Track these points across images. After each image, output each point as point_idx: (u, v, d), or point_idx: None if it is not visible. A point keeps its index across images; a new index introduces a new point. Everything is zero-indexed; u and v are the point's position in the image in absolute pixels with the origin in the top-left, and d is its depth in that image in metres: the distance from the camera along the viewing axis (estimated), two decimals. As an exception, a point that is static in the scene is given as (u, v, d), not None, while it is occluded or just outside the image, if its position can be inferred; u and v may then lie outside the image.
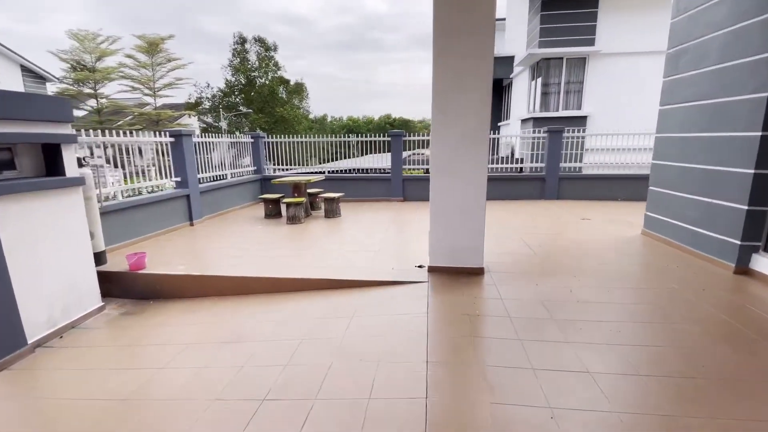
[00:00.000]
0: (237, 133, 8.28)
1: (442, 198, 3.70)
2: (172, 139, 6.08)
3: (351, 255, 4.56)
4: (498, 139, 10.35)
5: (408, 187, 8.56)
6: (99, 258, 4.27)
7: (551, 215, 6.69)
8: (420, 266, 4.02)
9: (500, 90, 16.52)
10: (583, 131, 8.40)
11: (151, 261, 4.36)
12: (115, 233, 4.91)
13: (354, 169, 9.08)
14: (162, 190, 6.11)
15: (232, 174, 7.96)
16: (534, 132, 8.43)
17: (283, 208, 6.94)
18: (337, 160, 9.41)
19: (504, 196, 8.37)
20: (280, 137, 9.00)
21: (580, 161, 8.40)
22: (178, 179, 6.21)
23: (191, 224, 6.35)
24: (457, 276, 3.72)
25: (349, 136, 8.76)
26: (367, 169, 9.07)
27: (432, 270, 3.82)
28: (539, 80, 11.16)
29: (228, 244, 5.21)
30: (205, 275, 4.02)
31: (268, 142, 9.13)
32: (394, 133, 8.41)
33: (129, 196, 5.48)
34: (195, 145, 6.58)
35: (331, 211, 6.87)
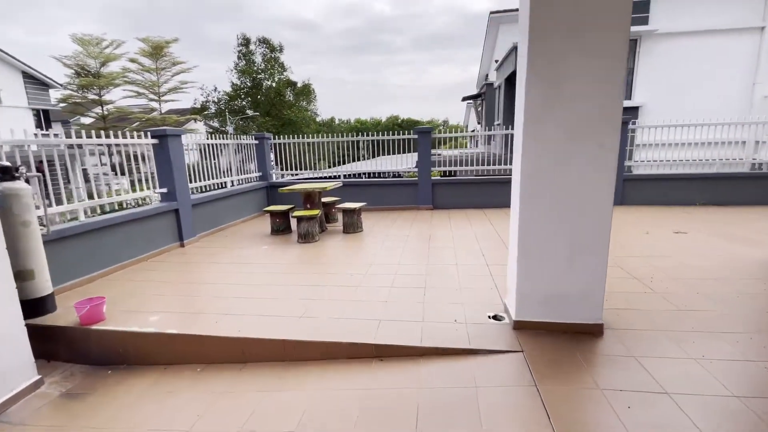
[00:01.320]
0: (239, 135, 7.10)
1: (539, 226, 2.42)
2: (154, 141, 4.90)
3: (386, 292, 3.29)
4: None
5: (438, 193, 7.28)
6: (42, 305, 3.08)
7: (629, 227, 5.34)
8: (496, 317, 2.73)
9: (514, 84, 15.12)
10: (633, 123, 7.00)
11: (114, 308, 3.15)
12: (74, 266, 3.72)
13: (374, 173, 7.83)
14: (141, 204, 4.94)
15: (232, 182, 6.77)
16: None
17: (294, 222, 5.72)
18: (350, 162, 8.17)
19: None
20: (289, 138, 7.79)
21: (630, 159, 6.97)
22: (164, 190, 5.02)
23: (181, 245, 5.16)
24: (562, 338, 2.42)
25: (366, 135, 7.52)
26: (388, 173, 7.81)
27: (521, 326, 2.53)
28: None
29: (224, 276, 3.98)
30: (186, 335, 2.78)
31: (275, 144, 7.93)
32: (421, 129, 7.14)
33: (101, 213, 4.31)
34: (201, 148, 5.40)
35: (351, 224, 5.62)
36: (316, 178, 7.92)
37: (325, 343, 2.56)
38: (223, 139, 6.62)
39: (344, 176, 7.84)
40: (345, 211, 5.62)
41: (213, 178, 6.23)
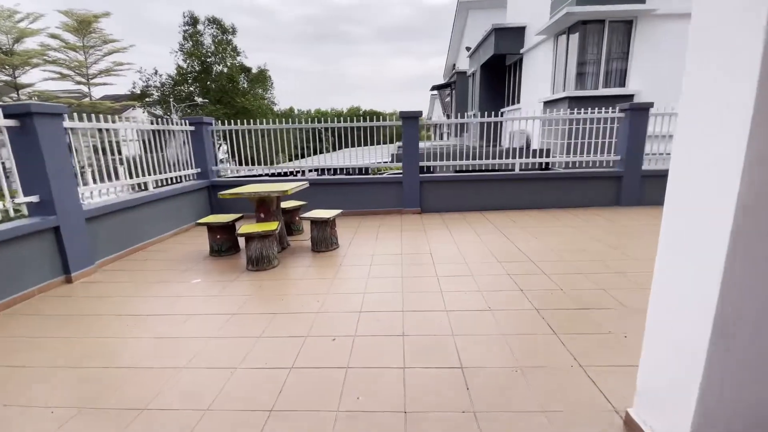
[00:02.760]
0: (168, 118, 5.32)
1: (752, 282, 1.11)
2: (10, 123, 3.13)
3: (396, 390, 1.90)
4: (499, 125, 7.95)
5: (427, 194, 5.94)
6: None
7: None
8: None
9: (502, 70, 14.18)
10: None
11: None
12: None
13: (351, 170, 6.35)
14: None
15: (157, 182, 5.03)
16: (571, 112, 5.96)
17: (242, 240, 4.16)
18: (314, 156, 6.62)
19: (550, 203, 5.93)
20: (238, 124, 6.09)
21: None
22: (33, 199, 3.27)
23: (67, 279, 3.44)
24: None
25: (339, 121, 6.00)
26: (365, 169, 6.37)
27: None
28: (573, 50, 8.84)
29: (120, 349, 2.39)
30: None
31: (224, 132, 6.20)
32: (408, 114, 5.73)
33: None
34: (103, 135, 3.64)
35: (323, 240, 4.14)
36: (271, 177, 6.30)
37: None
38: (131, 123, 4.85)
39: (312, 173, 6.29)
40: (314, 223, 4.12)
41: (127, 178, 4.47)
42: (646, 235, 4.38)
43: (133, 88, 28.77)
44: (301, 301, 2.92)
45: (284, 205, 4.77)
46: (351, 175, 6.36)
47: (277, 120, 6.08)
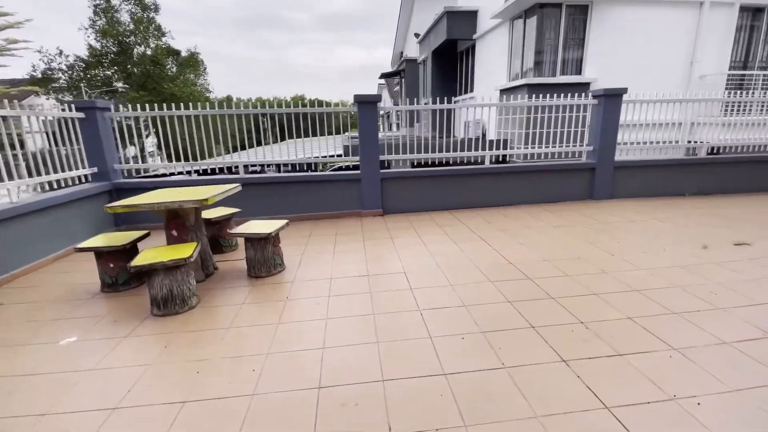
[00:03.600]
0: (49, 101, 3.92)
1: None
2: None
3: None
4: (453, 114, 7.36)
5: (389, 193, 5.11)
6: None
7: (669, 238, 3.89)
8: None
9: (454, 57, 13.68)
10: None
11: None
12: None
13: (298, 165, 5.31)
14: None
15: (29, 186, 3.66)
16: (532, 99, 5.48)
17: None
18: (252, 147, 5.48)
19: (522, 199, 5.42)
20: (148, 110, 4.76)
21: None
22: None
23: None
24: None
25: (285, 107, 4.91)
26: (312, 165, 5.38)
27: None
28: (531, 35, 8.43)
29: None
30: None
31: (126, 121, 4.84)
32: (365, 98, 4.81)
33: None
34: None
35: (263, 262, 3.14)
36: (197, 178, 5.08)
37: None
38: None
39: (246, 169, 5.16)
40: (251, 240, 3.11)
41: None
42: (636, 236, 3.92)
43: (34, 71, 24.53)
44: (228, 373, 1.95)
45: (209, 214, 3.67)
46: (298, 172, 5.34)
47: (208, 105, 4.85)
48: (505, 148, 8.18)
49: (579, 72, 8.59)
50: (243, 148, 5.64)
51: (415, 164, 5.69)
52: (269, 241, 3.12)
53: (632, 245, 3.64)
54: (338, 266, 3.36)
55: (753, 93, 6.44)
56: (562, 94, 5.46)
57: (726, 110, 7.87)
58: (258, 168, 5.55)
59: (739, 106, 7.24)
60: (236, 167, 5.07)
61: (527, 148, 5.63)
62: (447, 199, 5.24)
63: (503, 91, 9.53)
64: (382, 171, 5.02)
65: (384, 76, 23.35)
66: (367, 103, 4.77)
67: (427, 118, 12.66)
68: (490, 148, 6.42)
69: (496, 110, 7.74)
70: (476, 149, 5.54)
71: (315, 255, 3.68)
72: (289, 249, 3.77)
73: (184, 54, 28.62)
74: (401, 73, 21.35)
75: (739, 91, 8.25)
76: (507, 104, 5.48)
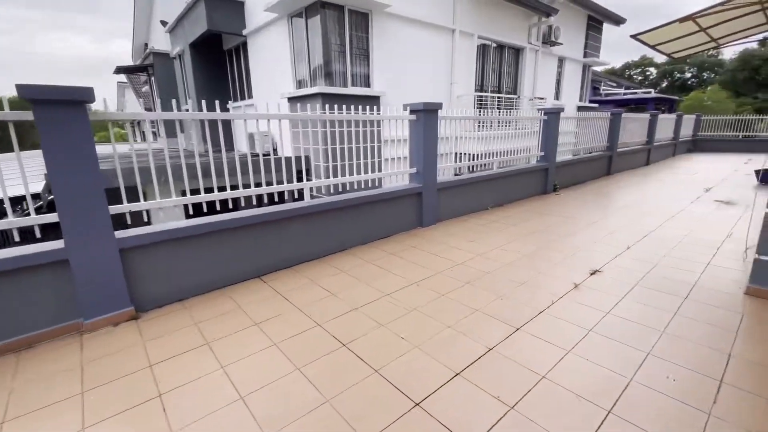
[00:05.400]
0: None
1: None
2: None
3: None
4: (231, 124, 5.81)
5: (142, 271, 2.78)
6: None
7: (537, 275, 3.39)
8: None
9: (221, 53, 11.27)
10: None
11: None
12: None
13: None
14: None
15: None
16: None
17: None
18: None
19: (350, 241, 4.28)
20: None
21: (379, 156, 5.18)
22: None
23: None
24: None
25: None
26: None
27: None
28: (316, 37, 7.32)
29: None
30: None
31: None
32: (44, 93, 2.28)
33: None
34: None
35: None
36: None
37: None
38: None
39: None
40: None
41: None
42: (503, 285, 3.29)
43: None
44: None
45: None
46: None
47: None
48: (308, 165, 6.82)
49: (368, 84, 8.17)
50: None
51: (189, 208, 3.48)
52: None
53: (515, 298, 2.92)
54: None
55: (493, 111, 7.52)
56: (360, 107, 4.55)
57: (478, 126, 9.22)
58: None
59: (484, 122, 8.48)
60: None
61: (354, 175, 4.40)
62: (251, 261, 3.35)
63: (292, 100, 8.12)
64: (121, 234, 2.64)
65: (123, 70, 17.79)
66: (49, 103, 2.27)
67: (197, 126, 9.92)
68: (289, 169, 4.87)
69: (289, 122, 6.23)
70: (270, 171, 3.83)
71: None
72: None
73: None
74: (148, 69, 16.70)
75: (483, 110, 9.85)
76: (335, 116, 4.04)
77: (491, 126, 7.00)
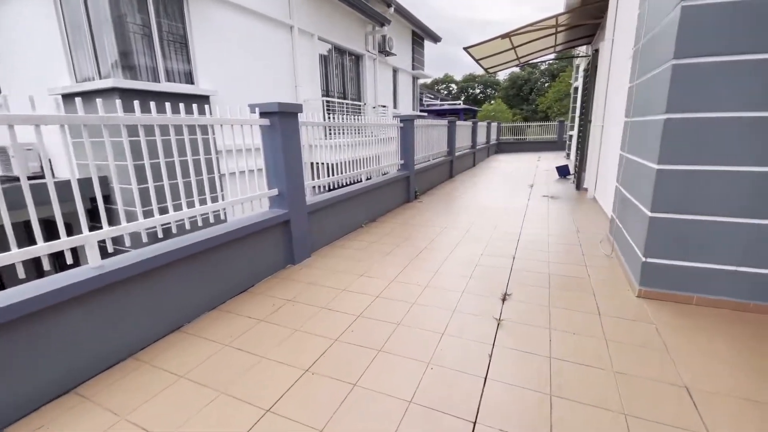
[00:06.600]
0: None
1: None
2: None
3: None
4: None
5: None
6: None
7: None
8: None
9: None
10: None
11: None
12: None
13: None
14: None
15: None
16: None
17: None
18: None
19: (199, 303, 2.96)
20: None
21: (216, 172, 4.04)
22: None
23: None
24: None
25: None
26: None
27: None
28: (101, 9, 5.13)
29: None
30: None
31: None
32: None
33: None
34: None
35: None
36: None
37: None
38: None
39: None
40: None
41: None
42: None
43: None
44: None
45: None
46: None
47: None
48: (105, 186, 4.80)
49: (191, 81, 6.40)
50: None
51: None
52: None
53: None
54: None
55: (343, 117, 7.03)
56: (184, 108, 3.20)
57: (326, 133, 8.53)
58: None
59: (333, 129, 7.89)
60: None
61: (183, 210, 2.91)
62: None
63: (69, 97, 5.62)
64: None
65: None
66: None
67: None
68: (70, 198, 3.05)
69: (67, 128, 4.08)
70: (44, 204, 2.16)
71: None
72: None
73: None
74: None
75: (332, 115, 9.23)
76: (120, 119, 2.44)
77: (342, 133, 6.38)
